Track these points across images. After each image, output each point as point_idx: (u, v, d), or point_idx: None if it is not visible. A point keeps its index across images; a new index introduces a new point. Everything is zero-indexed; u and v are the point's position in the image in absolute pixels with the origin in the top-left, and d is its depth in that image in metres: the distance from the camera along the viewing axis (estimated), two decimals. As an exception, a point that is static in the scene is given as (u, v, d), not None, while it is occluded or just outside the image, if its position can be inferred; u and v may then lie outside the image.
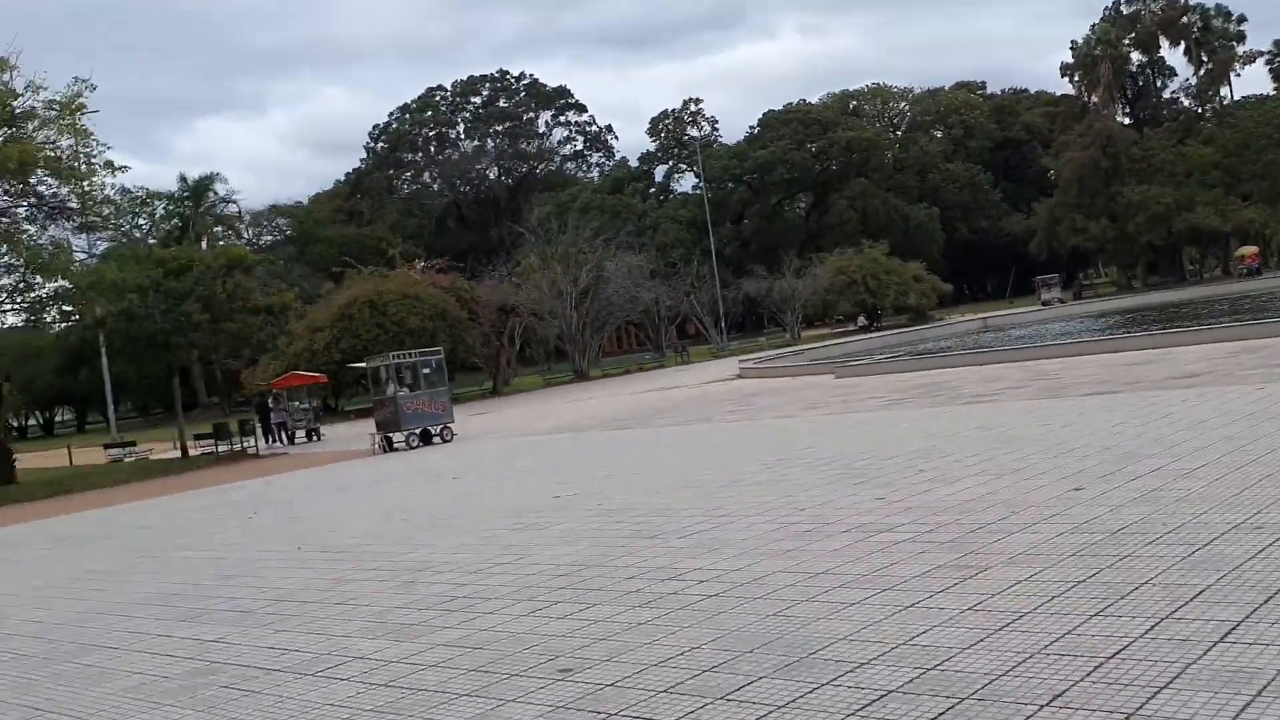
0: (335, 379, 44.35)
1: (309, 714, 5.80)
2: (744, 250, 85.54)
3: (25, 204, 30.00)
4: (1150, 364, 19.48)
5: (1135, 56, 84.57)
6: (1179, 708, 4.21)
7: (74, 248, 32.13)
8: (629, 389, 38.95)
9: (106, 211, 31.88)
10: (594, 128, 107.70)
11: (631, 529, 9.95)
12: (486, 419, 33.61)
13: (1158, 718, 4.15)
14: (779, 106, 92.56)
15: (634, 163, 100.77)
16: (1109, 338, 30.24)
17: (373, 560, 10.45)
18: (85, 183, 30.01)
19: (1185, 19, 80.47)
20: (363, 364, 31.62)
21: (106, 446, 37.63)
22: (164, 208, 71.50)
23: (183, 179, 73.46)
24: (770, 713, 4.79)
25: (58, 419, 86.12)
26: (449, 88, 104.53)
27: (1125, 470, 9.38)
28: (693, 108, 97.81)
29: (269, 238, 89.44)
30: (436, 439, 26.40)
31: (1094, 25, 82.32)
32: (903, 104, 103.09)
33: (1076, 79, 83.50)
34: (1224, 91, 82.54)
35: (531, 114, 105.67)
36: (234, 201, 79.25)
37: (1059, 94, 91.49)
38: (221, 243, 67.74)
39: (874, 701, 4.74)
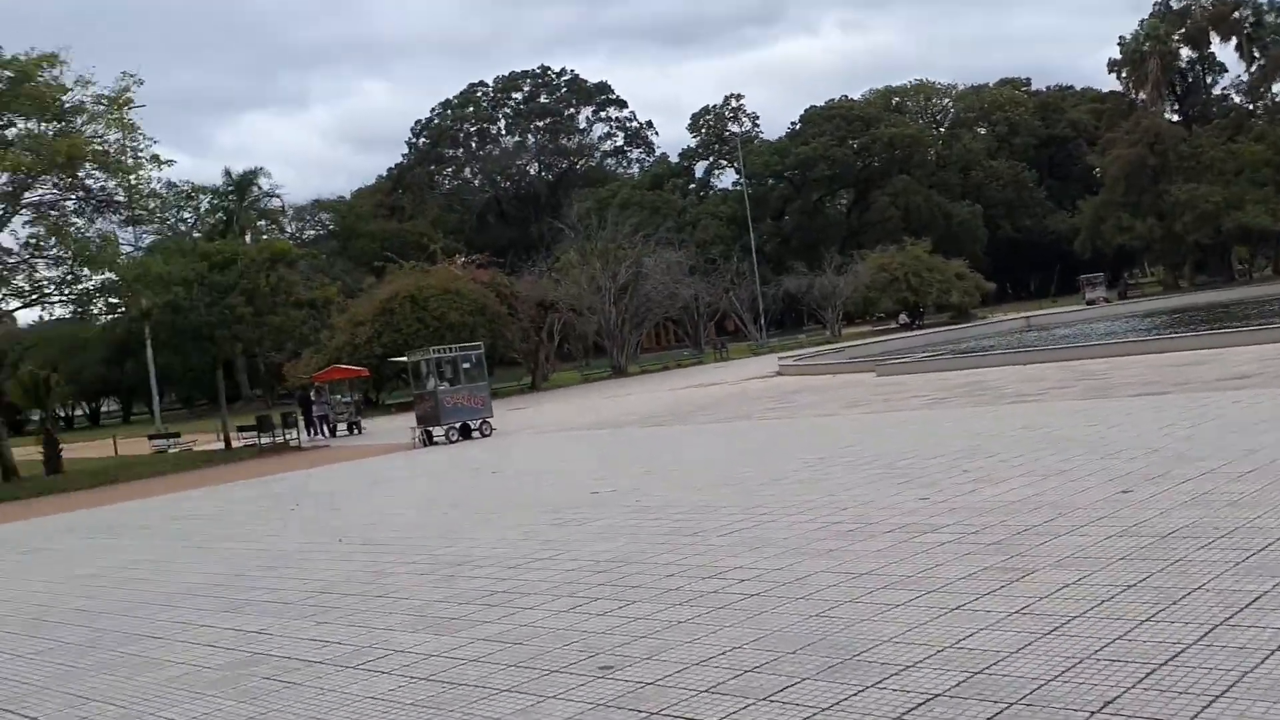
0: (376, 373, 44.67)
1: (350, 707, 5.80)
2: (784, 247, 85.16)
3: (74, 197, 30.42)
4: (1199, 365, 19.16)
5: (1185, 52, 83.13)
6: (1235, 718, 4.10)
7: (121, 241, 32.55)
8: (667, 385, 38.90)
9: (153, 205, 32.20)
10: (634, 124, 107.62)
11: (671, 526, 9.91)
12: (525, 414, 33.69)
13: (1214, 727, 4.05)
14: (821, 102, 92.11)
15: (674, 159, 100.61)
16: (1156, 338, 29.78)
17: (413, 553, 10.47)
18: (132, 176, 30.39)
19: (1237, 14, 78.97)
20: (403, 358, 31.80)
21: (151, 437, 38.10)
22: (209, 202, 72.15)
23: (227, 173, 74.16)
24: (814, 715, 4.72)
25: (104, 410, 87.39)
26: (490, 83, 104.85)
27: (1175, 473, 9.21)
28: (734, 103, 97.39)
29: (311, 232, 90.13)
30: (476, 433, 26.49)
31: (1143, 21, 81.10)
32: (946, 100, 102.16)
33: (1124, 75, 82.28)
34: (1276, 88, 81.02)
35: (572, 110, 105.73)
36: (277, 196, 79.87)
37: (1105, 91, 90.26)
38: (265, 237, 68.29)
39: (920, 705, 4.67)
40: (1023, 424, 14.16)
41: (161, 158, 30.83)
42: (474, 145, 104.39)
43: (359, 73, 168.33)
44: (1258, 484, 8.31)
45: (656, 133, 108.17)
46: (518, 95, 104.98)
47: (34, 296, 31.10)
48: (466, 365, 27.55)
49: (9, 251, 30.15)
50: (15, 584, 12.30)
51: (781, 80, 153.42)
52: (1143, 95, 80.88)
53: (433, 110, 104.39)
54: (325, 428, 36.42)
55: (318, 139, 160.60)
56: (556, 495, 13.43)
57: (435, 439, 26.33)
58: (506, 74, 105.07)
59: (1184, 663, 4.73)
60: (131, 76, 29.85)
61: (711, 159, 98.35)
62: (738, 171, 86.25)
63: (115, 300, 32.78)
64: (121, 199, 30.81)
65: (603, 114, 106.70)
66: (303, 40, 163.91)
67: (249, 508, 17.74)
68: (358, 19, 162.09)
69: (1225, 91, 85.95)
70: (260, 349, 41.90)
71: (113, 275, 30.50)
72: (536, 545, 9.92)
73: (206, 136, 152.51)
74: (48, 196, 30.13)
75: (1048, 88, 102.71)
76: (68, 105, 28.94)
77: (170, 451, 34.57)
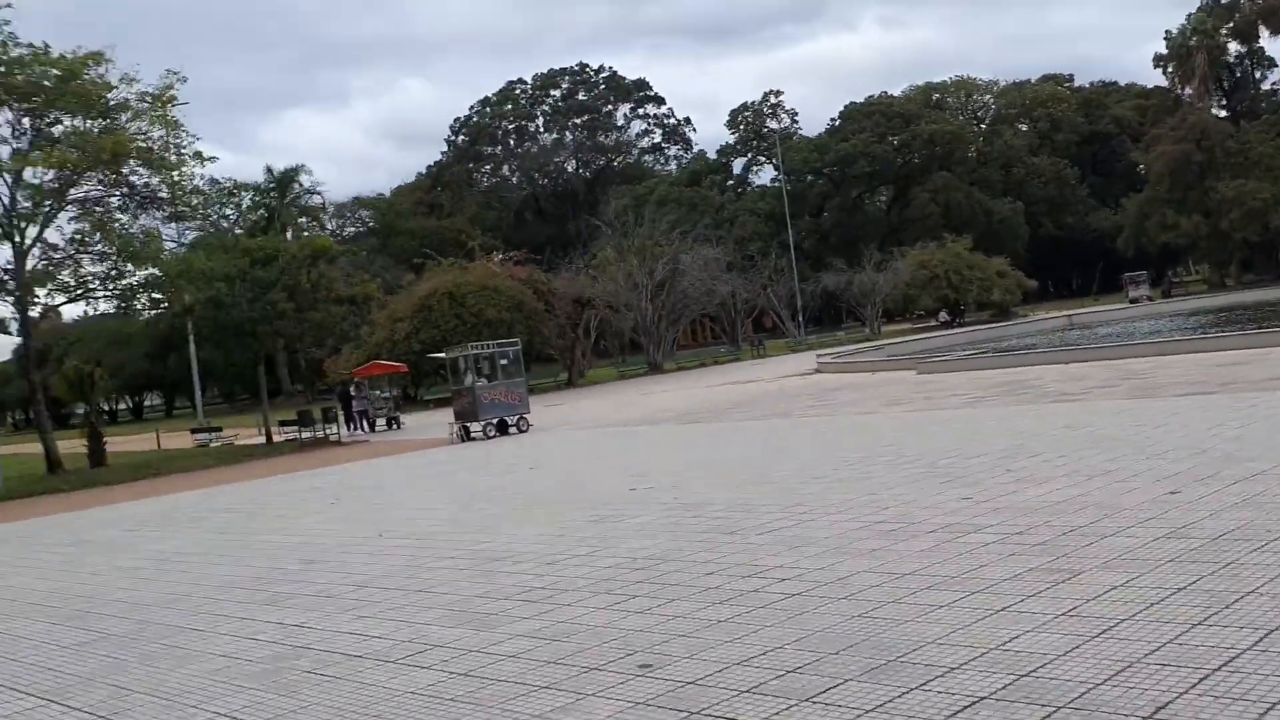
0: (415, 368, 44.95)
1: (390, 701, 5.80)
2: (823, 243, 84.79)
3: (118, 193, 30.75)
4: (1247, 364, 18.83)
5: (1233, 46, 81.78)
6: (1294, 725, 4.00)
7: (164, 237, 32.87)
8: (704, 382, 38.80)
9: (195, 201, 32.52)
10: (672, 120, 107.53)
11: (710, 524, 9.85)
12: (561, 410, 33.73)
13: (1271, 735, 3.95)
14: (860, 99, 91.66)
15: (712, 155, 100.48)
16: (1202, 337, 29.32)
17: (452, 548, 10.49)
18: (175, 173, 30.70)
19: (1287, 7, 77.59)
20: (442, 354, 31.95)
21: (193, 431, 38.52)
22: (250, 198, 72.87)
23: (269, 170, 74.97)
24: (858, 717, 4.66)
25: (147, 404, 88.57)
26: (529, 81, 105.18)
27: (1224, 474, 9.04)
28: (772, 100, 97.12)
29: (352, 229, 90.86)
30: (513, 429, 26.57)
31: (1189, 15, 79.89)
32: (987, 97, 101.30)
33: (1170, 70, 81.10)
34: (1327, 83, 79.61)
35: (610, 107, 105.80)
36: (318, 193, 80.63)
37: (1150, 86, 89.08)
38: (306, 233, 68.93)
39: (966, 708, 4.59)
40: (1066, 423, 13.98)
41: (204, 154, 31.15)
42: (512, 143, 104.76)
43: (399, 70, 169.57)
44: (1311, 486, 8.13)
45: (694, 129, 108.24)
46: (556, 92, 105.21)
47: (79, 292, 31.48)
48: (504, 361, 27.65)
49: (55, 247, 30.55)
50: (60, 575, 12.45)
51: (820, 77, 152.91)
52: (1189, 90, 79.69)
53: (472, 108, 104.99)
54: (365, 423, 36.68)
55: (358, 136, 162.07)
56: (594, 491, 13.42)
57: (473, 434, 26.42)
58: (545, 71, 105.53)
59: (1239, 668, 4.62)
60: (175, 74, 30.18)
61: (750, 155, 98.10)
62: (776, 168, 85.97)
63: (158, 296, 33.13)
64: (165, 195, 31.13)
65: (640, 111, 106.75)
66: (344, 38, 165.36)
67: (289, 501, 17.86)
68: (398, 17, 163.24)
69: (1275, 86, 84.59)
70: (301, 345, 42.28)
71: (156, 271, 30.83)
72: (574, 541, 9.90)
73: (249, 134, 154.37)
74: (93, 193, 30.51)
75: (1091, 84, 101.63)
76: (113, 103, 29.25)
77: (212, 445, 34.94)
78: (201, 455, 31.75)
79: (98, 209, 30.76)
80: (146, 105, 29.74)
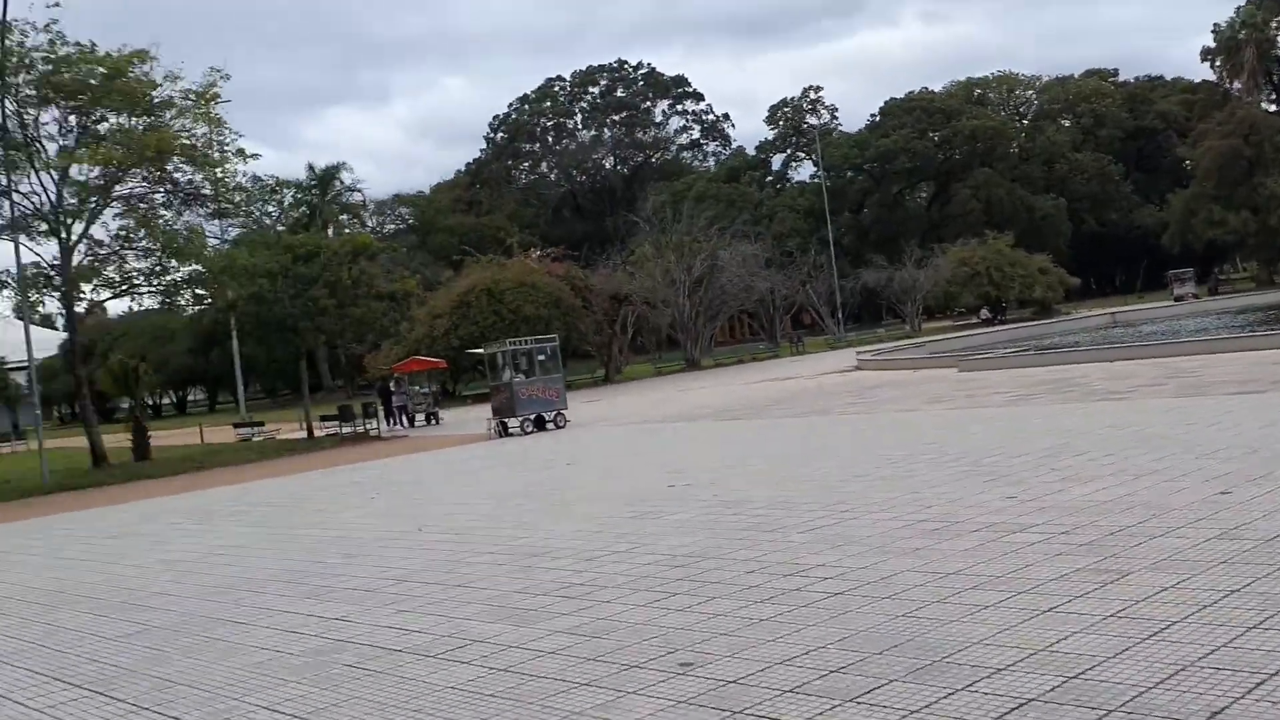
0: (454, 364, 45.10)
1: (430, 696, 5.79)
2: (863, 240, 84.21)
3: (162, 190, 31.11)
4: (1298, 363, 18.47)
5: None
6: (1356, 733, 3.89)
7: (207, 233, 33.20)
8: (742, 379, 38.66)
9: (238, 198, 32.79)
10: (710, 116, 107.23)
11: (750, 521, 9.78)
12: (599, 406, 33.73)
13: (1332, 743, 3.84)
14: (900, 94, 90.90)
15: (751, 151, 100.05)
16: (1251, 335, 28.80)
17: (490, 543, 10.49)
18: (219, 170, 30.98)
19: (1340, 0, 76.21)
20: (480, 350, 32.03)
21: (236, 426, 38.88)
22: (292, 195, 73.35)
23: (310, 168, 75.42)
24: (903, 718, 4.59)
25: (190, 398, 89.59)
26: (567, 78, 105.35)
27: (1277, 474, 8.86)
28: (812, 95, 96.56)
29: (392, 226, 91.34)
30: (550, 425, 26.60)
31: (1238, 8, 78.52)
32: (1030, 92, 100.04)
33: (1218, 64, 79.80)
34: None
35: (648, 103, 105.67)
36: (359, 190, 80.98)
37: (1197, 81, 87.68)
38: (347, 230, 69.42)
39: (1013, 710, 4.51)
40: (1111, 422, 13.77)
41: (247, 152, 31.42)
42: (550, 140, 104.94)
43: (439, 69, 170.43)
44: (1368, 487, 7.94)
45: (733, 126, 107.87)
46: (595, 89, 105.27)
47: (124, 287, 31.89)
48: (541, 357, 27.70)
49: (100, 243, 30.95)
50: (106, 568, 12.60)
51: (861, 72, 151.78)
52: (1237, 84, 78.42)
53: (510, 105, 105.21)
54: (404, 418, 36.89)
55: (398, 134, 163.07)
56: (632, 488, 13.38)
57: (510, 430, 26.48)
58: (584, 68, 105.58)
59: (1296, 673, 4.51)
60: (218, 72, 30.44)
61: (789, 151, 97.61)
62: (816, 164, 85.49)
63: (202, 291, 33.47)
64: (208, 192, 31.44)
65: (679, 107, 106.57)
66: (384, 35, 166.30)
67: (330, 495, 17.98)
68: (438, 15, 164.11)
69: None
70: (342, 340, 42.54)
71: (200, 267, 31.15)
72: (613, 538, 9.87)
73: (291, 131, 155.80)
74: (137, 189, 30.88)
75: (1136, 78, 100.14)
76: (157, 100, 29.57)
77: (254, 440, 35.23)
78: (244, 449, 32.03)
79: (142, 205, 31.13)
80: (190, 103, 30.05)
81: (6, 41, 27.53)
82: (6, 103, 28.10)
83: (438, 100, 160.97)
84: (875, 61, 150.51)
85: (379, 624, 7.67)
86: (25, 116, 29.03)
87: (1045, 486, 9.61)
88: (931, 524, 8.59)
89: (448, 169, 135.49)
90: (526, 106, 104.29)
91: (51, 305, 31.88)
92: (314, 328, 34.18)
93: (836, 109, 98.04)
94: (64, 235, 29.48)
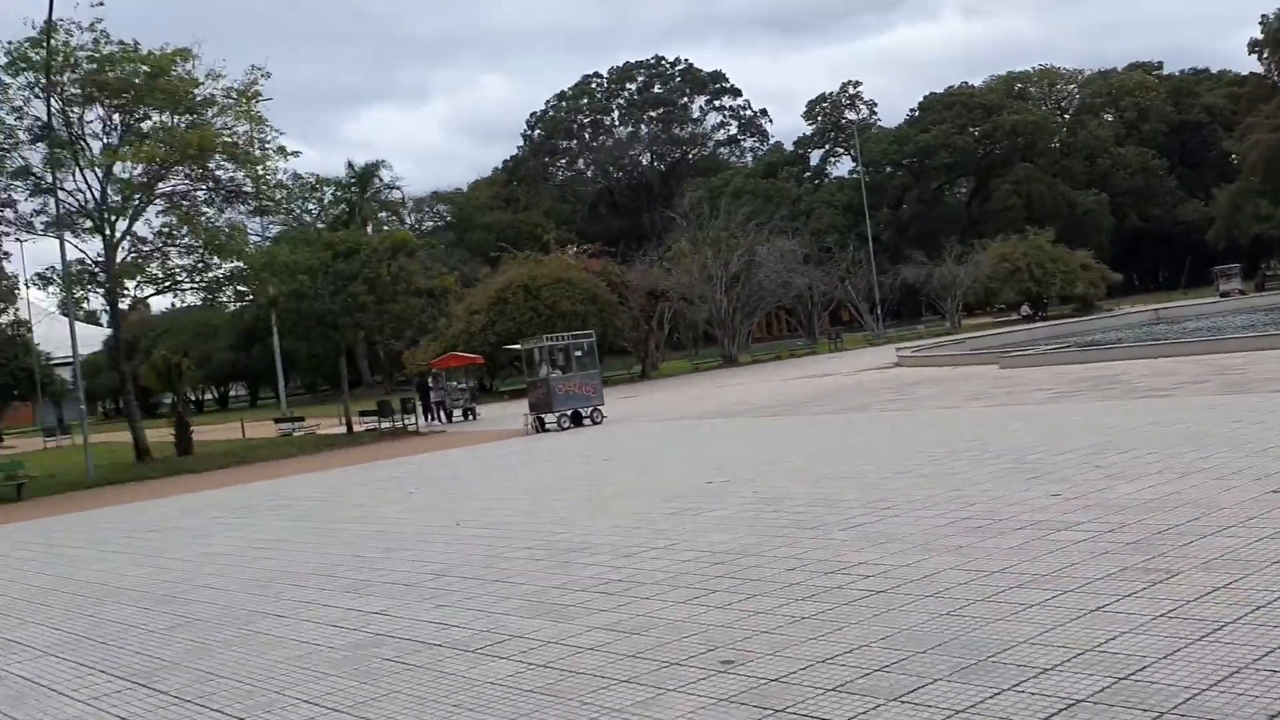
0: (491, 360, 45.29)
1: (469, 691, 5.78)
2: (902, 235, 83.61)
3: (204, 187, 31.44)
4: (1349, 359, 18.11)
5: (1332, 31, 78.84)
6: None
7: (249, 230, 33.52)
8: (780, 375, 38.49)
9: (279, 195, 33.06)
10: (748, 112, 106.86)
11: (790, 518, 9.71)
12: (635, 402, 33.71)
13: (1395, 748, 3.73)
14: (940, 89, 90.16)
15: (789, 147, 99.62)
16: (1299, 331, 28.26)
17: (528, 539, 10.49)
18: (260, 167, 31.29)
19: (1390, -11, 74.64)
20: (517, 346, 32.11)
21: (277, 421, 39.23)
22: (332, 193, 73.76)
23: (350, 165, 75.88)
24: (948, 718, 4.51)
25: (232, 394, 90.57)
26: (604, 75, 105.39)
27: (1330, 473, 8.67)
28: (850, 90, 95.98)
29: (430, 223, 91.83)
30: (587, 420, 26.61)
31: (1286, -1, 77.25)
32: (1071, 86, 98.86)
33: (1265, 56, 78.28)
34: None
35: (685, 99, 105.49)
36: (397, 188, 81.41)
37: (1245, 74, 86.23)
38: (386, 227, 69.81)
39: (1061, 710, 4.42)
40: (1154, 419, 13.55)
41: (288, 150, 31.78)
42: (587, 136, 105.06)
43: (477, 66, 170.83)
44: None
45: (770, 121, 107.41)
46: (631, 86, 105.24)
47: (166, 284, 32.26)
48: (578, 353, 27.72)
49: (143, 240, 31.34)
50: (148, 561, 12.72)
51: (900, 67, 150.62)
52: (1285, 77, 76.97)
53: (547, 102, 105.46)
54: (442, 413, 37.08)
55: (437, 131, 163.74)
56: (670, 484, 13.33)
57: (547, 426, 26.52)
58: (621, 65, 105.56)
59: (1355, 676, 4.39)
60: (259, 70, 30.73)
61: (827, 147, 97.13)
62: (854, 159, 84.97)
63: (243, 288, 33.79)
64: (250, 190, 31.75)
65: (716, 103, 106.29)
66: (423, 33, 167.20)
67: (369, 490, 18.07)
68: (476, 12, 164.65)
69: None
70: (381, 336, 42.76)
71: (241, 264, 31.45)
72: (651, 534, 9.83)
73: (331, 129, 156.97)
74: (180, 187, 31.22)
75: (1181, 71, 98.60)
76: (199, 98, 29.89)
77: (295, 435, 35.55)
78: (284, 444, 32.31)
79: (184, 203, 31.47)
80: (231, 101, 30.36)
81: (52, 41, 27.92)
82: (52, 101, 28.52)
83: (476, 98, 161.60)
84: (914, 56, 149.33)
85: (418, 618, 7.68)
86: (70, 115, 29.45)
87: (1090, 484, 9.46)
88: (974, 521, 8.48)
89: (485, 166, 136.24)
90: (564, 103, 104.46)
91: (96, 302, 32.20)
92: (353, 324, 34.42)
93: (875, 104, 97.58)
94: (108, 232, 29.87)
